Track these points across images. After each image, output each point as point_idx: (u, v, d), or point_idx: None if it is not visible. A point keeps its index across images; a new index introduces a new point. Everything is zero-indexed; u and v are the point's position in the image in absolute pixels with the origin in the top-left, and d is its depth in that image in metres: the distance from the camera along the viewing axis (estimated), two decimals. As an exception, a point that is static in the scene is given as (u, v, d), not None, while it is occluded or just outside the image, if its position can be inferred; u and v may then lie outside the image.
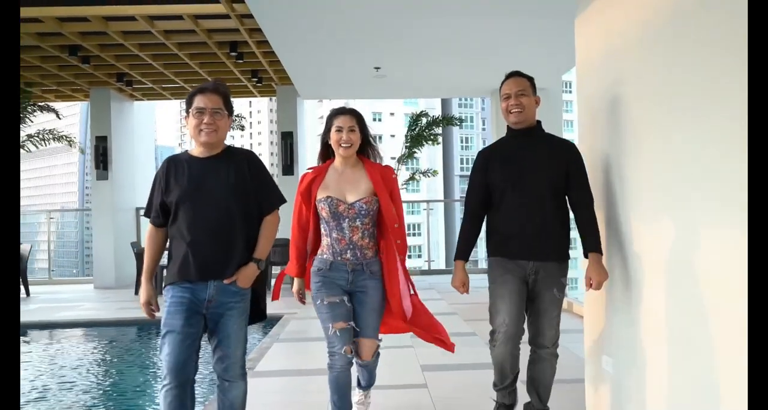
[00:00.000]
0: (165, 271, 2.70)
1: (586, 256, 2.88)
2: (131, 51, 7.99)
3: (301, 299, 3.15)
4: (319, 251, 3.02)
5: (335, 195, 2.95)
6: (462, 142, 75.04)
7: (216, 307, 2.61)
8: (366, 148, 3.08)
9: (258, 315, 2.82)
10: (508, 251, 2.94)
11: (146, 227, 2.76)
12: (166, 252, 2.81)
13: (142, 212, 9.43)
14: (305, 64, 7.90)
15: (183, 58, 8.37)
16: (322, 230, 3.02)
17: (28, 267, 9.70)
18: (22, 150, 10.12)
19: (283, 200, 2.79)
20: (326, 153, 3.11)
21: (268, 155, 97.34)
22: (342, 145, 2.96)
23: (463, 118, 74.56)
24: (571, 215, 3.03)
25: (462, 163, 69.37)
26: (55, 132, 10.36)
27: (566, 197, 2.98)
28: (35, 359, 5.70)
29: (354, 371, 3.10)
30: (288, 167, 10.26)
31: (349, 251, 2.95)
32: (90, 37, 7.58)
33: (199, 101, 2.63)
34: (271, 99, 15.13)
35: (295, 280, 3.12)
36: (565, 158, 2.92)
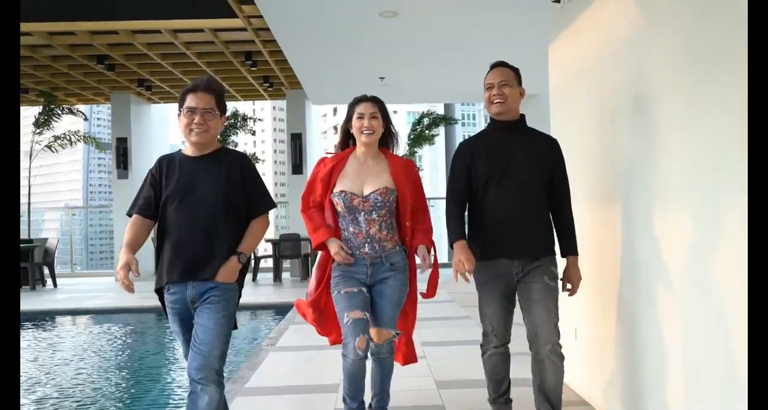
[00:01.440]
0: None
1: (563, 256, 2.82)
2: (154, 60, 8.65)
3: (346, 257, 2.83)
4: None
5: (350, 188, 2.86)
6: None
7: (198, 304, 2.54)
8: (387, 138, 3.00)
9: None
10: (492, 251, 2.76)
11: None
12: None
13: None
14: (315, 72, 8.48)
15: (201, 66, 9.03)
16: (340, 224, 2.93)
17: (43, 260, 10.03)
18: (48, 150, 10.79)
19: (273, 205, 2.73)
20: (346, 142, 3.03)
21: (271, 153, 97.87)
22: (364, 132, 2.87)
23: (466, 116, 74.97)
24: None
25: (464, 161, 69.59)
26: (79, 133, 11.01)
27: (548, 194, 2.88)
28: (81, 338, 6.49)
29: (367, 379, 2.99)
30: (297, 167, 10.91)
31: (367, 245, 2.86)
32: (117, 47, 8.26)
33: (190, 100, 2.55)
34: (274, 101, 15.67)
35: (330, 242, 2.87)
36: (550, 155, 2.84)
